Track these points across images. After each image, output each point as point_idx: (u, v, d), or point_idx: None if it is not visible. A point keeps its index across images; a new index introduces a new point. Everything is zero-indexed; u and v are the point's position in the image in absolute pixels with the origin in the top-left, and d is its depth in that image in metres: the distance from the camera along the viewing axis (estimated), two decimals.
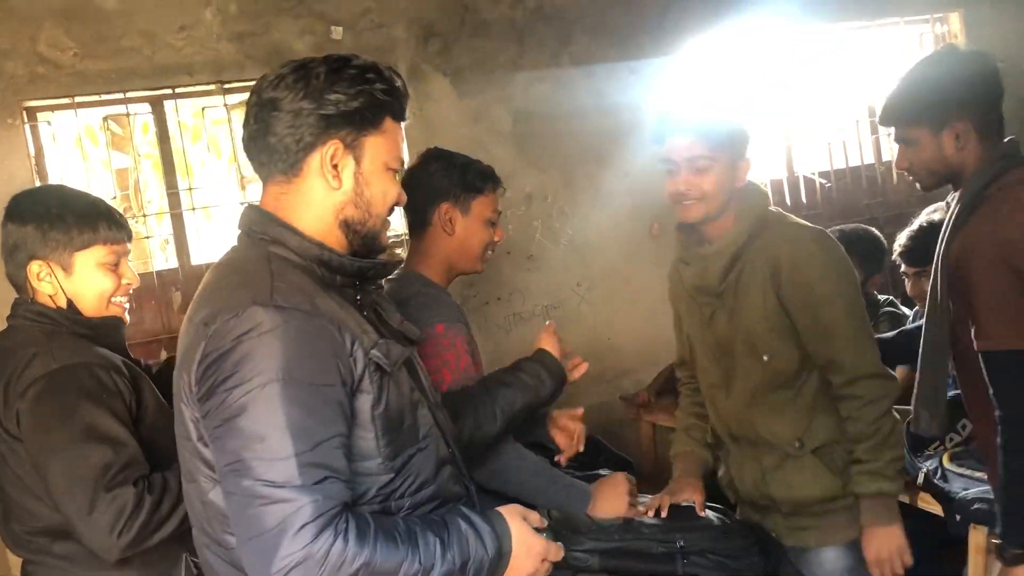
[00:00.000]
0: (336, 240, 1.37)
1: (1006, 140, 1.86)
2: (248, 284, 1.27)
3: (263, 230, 1.35)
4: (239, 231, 1.41)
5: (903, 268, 2.87)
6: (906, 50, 4.75)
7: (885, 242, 3.26)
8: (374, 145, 1.36)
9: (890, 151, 4.60)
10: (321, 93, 1.31)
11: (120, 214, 1.85)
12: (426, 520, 1.31)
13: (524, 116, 3.90)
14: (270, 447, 1.17)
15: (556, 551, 1.40)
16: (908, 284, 2.87)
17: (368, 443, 1.29)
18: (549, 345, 1.98)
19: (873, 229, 3.34)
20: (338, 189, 1.35)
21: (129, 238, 1.86)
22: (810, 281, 1.90)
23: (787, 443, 1.97)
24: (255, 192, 3.73)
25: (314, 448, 1.19)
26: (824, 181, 4.52)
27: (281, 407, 1.18)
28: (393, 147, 1.39)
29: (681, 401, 2.32)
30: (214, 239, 4.09)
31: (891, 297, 3.22)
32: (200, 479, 1.31)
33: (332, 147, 1.33)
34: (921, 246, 2.64)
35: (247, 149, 1.39)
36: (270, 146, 1.34)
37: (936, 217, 2.63)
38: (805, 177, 4.53)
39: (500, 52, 3.88)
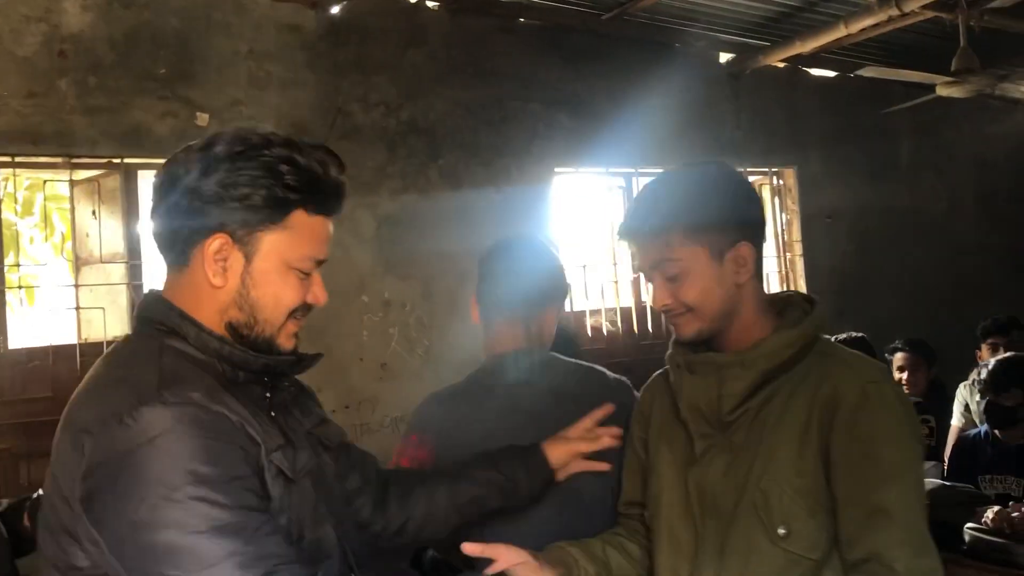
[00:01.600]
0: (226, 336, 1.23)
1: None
2: (132, 381, 1.12)
3: (161, 319, 1.20)
4: (135, 318, 1.26)
5: None
6: None
7: None
8: (273, 243, 1.19)
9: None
10: (216, 178, 1.16)
11: None
12: None
13: (388, 222, 3.87)
14: (198, 557, 1.03)
15: None
16: None
17: None
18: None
19: None
20: (221, 287, 1.19)
21: None
22: (874, 436, 1.33)
23: None
24: (90, 275, 3.47)
25: (248, 542, 1.05)
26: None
27: (197, 512, 1.04)
28: (301, 245, 1.21)
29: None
30: (36, 322, 3.75)
31: None
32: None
33: (217, 241, 1.17)
34: None
35: (151, 226, 1.25)
36: (159, 229, 1.21)
37: None
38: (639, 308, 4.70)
39: (369, 157, 3.87)
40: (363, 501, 1.48)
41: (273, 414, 1.24)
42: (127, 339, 1.25)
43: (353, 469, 1.46)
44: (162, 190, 1.20)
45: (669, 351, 1.54)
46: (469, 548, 1.43)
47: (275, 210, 1.18)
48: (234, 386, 1.18)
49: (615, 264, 4.58)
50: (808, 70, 5.13)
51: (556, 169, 4.27)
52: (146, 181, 3.40)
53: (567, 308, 4.35)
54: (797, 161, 5.10)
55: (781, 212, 5.20)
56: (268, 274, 1.20)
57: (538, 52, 4.28)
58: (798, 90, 5.11)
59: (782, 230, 5.20)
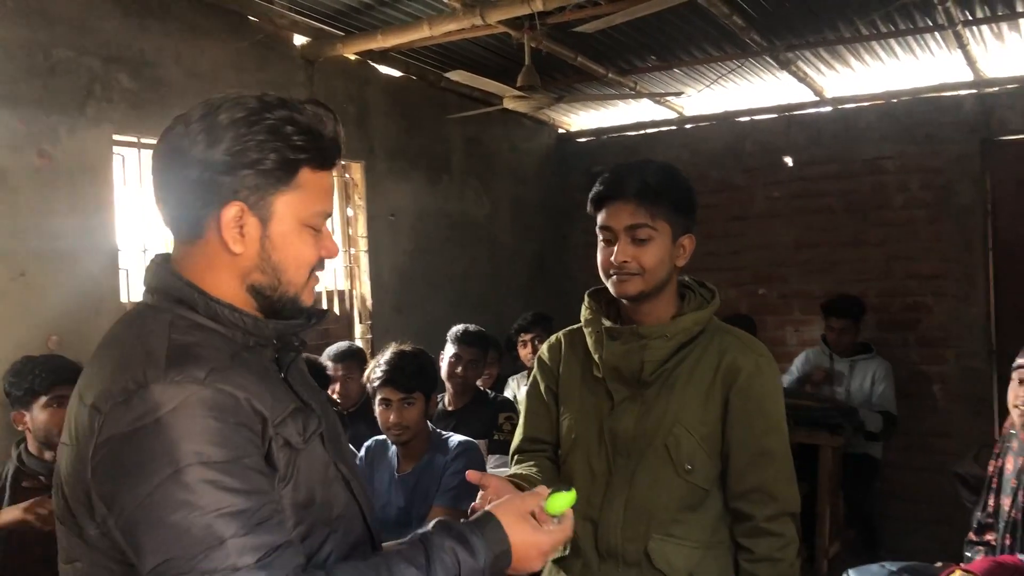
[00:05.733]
0: (246, 303, 1.25)
1: None
2: (139, 357, 1.14)
3: (168, 289, 1.22)
4: (143, 287, 1.28)
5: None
6: None
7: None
8: (286, 204, 1.22)
9: None
10: (224, 147, 1.17)
11: None
12: (403, 549, 1.18)
13: None
14: (200, 539, 1.05)
15: (563, 534, 1.30)
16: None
17: None
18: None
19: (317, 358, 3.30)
20: (240, 254, 1.21)
21: None
22: (763, 397, 1.74)
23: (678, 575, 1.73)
24: None
25: (249, 528, 1.07)
26: None
27: (203, 494, 1.06)
28: (311, 202, 1.24)
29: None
30: None
31: None
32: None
33: (234, 209, 1.19)
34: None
35: (155, 200, 1.26)
36: (170, 202, 1.22)
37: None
38: None
39: None
40: None
41: (284, 376, 1.29)
42: (138, 308, 1.27)
43: None
44: (168, 165, 1.21)
45: (587, 317, 1.84)
46: (472, 476, 1.57)
47: (285, 172, 1.21)
48: (246, 351, 1.22)
49: None
50: (378, 67, 5.17)
51: (115, 136, 3.68)
52: None
53: None
54: (365, 157, 5.11)
55: (347, 207, 5.17)
56: (286, 236, 1.23)
57: None
58: (370, 86, 5.11)
59: (348, 226, 5.16)
